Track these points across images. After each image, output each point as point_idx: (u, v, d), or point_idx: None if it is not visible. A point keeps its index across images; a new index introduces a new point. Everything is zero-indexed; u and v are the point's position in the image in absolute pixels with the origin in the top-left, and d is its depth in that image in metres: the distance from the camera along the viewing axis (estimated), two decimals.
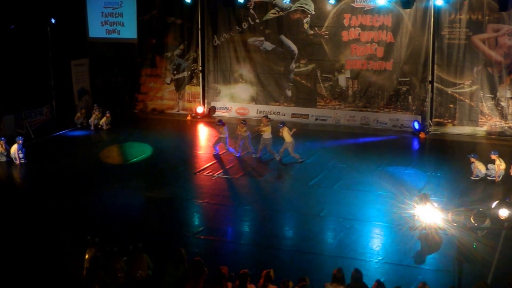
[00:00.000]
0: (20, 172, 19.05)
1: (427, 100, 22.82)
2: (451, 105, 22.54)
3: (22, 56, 23.27)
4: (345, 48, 23.68)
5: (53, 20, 24.04)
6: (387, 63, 23.20)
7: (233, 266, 11.06)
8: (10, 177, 18.92)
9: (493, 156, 16.97)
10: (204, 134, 24.04)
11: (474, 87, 22.10)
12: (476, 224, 9.38)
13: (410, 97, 23.17)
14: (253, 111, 25.35)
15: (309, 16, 23.92)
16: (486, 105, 22.00)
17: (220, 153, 19.89)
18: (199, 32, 25.68)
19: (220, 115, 25.21)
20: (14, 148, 19.28)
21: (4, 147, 19.48)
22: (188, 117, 25.69)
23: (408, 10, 22.17)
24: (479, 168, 17.06)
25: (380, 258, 12.66)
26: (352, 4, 23.11)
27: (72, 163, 19.57)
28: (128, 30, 25.97)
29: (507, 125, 21.80)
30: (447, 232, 11.01)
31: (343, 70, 23.95)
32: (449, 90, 22.45)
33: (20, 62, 23.08)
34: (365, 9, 23.01)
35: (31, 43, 23.97)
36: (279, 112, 24.90)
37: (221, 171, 18.48)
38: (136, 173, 18.48)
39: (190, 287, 10.20)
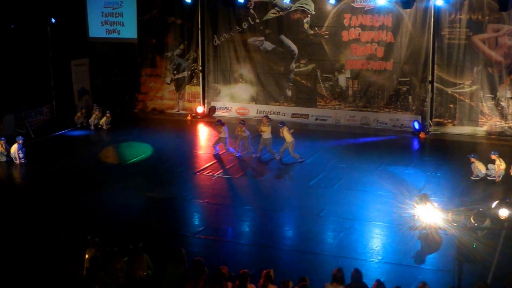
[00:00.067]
0: (20, 172, 19.05)
1: (427, 100, 22.82)
2: (451, 105, 22.55)
3: (22, 56, 23.29)
4: (345, 48, 23.68)
5: (53, 20, 24.04)
6: (387, 63, 23.20)
7: (233, 266, 11.07)
8: (10, 177, 18.92)
9: (493, 156, 16.97)
10: (204, 134, 24.04)
11: (474, 87, 22.10)
12: (476, 224, 9.38)
13: (410, 97, 23.18)
14: (253, 111, 25.35)
15: (309, 16, 23.93)
16: (486, 105, 22.00)
17: (220, 153, 19.90)
18: (199, 32, 25.69)
19: (220, 115, 25.21)
20: (14, 148, 19.28)
21: (4, 147, 19.48)
22: (188, 117, 25.69)
23: (408, 10, 22.18)
24: (479, 168, 17.06)
25: (380, 258, 12.66)
26: (352, 4, 23.11)
27: (72, 163, 19.57)
28: (128, 30, 25.98)
29: (507, 125, 21.80)
30: (447, 232, 11.02)
31: (343, 70, 23.95)
32: (449, 90, 22.45)
33: (20, 62, 23.09)
34: (365, 9, 23.01)
35: (31, 43, 23.97)
36: (279, 112, 24.90)
37: (221, 171, 18.48)
38: (136, 173, 18.48)
39: (190, 287, 10.20)
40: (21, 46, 23.45)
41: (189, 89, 26.48)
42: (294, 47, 24.52)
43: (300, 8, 23.94)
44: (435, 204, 12.63)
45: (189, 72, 26.31)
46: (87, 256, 11.24)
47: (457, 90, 22.35)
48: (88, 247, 11.40)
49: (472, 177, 17.13)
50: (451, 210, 11.15)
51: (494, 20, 21.40)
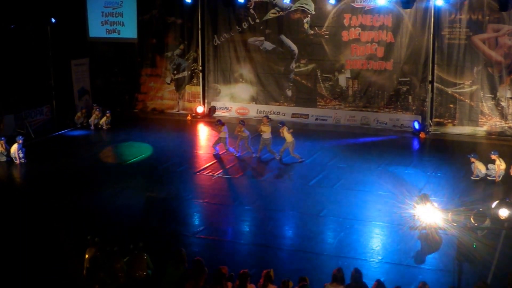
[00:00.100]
0: (20, 172, 19.05)
1: (427, 100, 22.83)
2: (451, 105, 22.55)
3: (22, 56, 23.28)
4: (345, 48, 23.68)
5: (53, 20, 24.06)
6: (387, 63, 23.20)
7: (233, 266, 11.06)
8: (10, 177, 18.92)
9: (493, 156, 16.97)
10: (204, 134, 24.04)
11: (474, 87, 22.11)
12: (476, 224, 9.39)
13: (410, 97, 23.18)
14: (253, 111, 25.36)
15: (309, 16, 23.93)
16: (486, 105, 22.00)
17: (220, 153, 19.90)
18: (199, 32, 25.70)
19: (220, 115, 25.22)
20: (14, 148, 19.28)
21: (4, 147, 19.48)
22: (188, 117, 25.69)
23: (408, 10, 22.19)
24: (479, 168, 17.06)
25: (380, 257, 12.66)
26: (352, 4, 23.11)
27: (72, 163, 19.57)
28: (128, 30, 25.97)
29: (507, 125, 21.80)
30: (447, 232, 11.02)
31: (343, 70, 23.95)
32: (449, 90, 22.45)
33: (21, 62, 23.09)
34: (365, 9, 23.01)
35: (31, 43, 23.97)
36: (279, 112, 24.90)
37: (221, 171, 18.49)
38: (136, 173, 18.48)
39: (190, 287, 10.20)
40: (21, 46, 23.44)
41: (189, 89, 26.49)
42: (294, 47, 24.52)
43: (300, 8, 23.95)
44: (435, 204, 12.63)
45: (189, 72, 26.31)
46: (87, 256, 11.24)
47: (457, 90, 22.36)
48: (88, 247, 11.40)
49: (472, 177, 17.13)
50: (451, 210, 11.15)
51: (494, 20, 21.41)
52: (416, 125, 22.47)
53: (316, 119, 24.48)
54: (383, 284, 9.86)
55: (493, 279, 11.31)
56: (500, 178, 16.91)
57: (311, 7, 23.80)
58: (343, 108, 24.23)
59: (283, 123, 19.26)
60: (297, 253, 12.97)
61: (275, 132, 19.22)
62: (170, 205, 15.82)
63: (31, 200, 15.93)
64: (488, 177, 17.05)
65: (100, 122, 23.88)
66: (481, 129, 22.12)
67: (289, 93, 24.96)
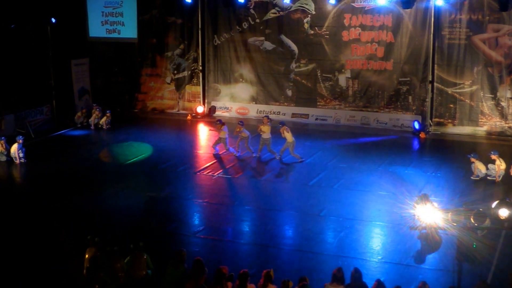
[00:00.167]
0: (20, 171, 19.05)
1: (427, 100, 22.83)
2: (451, 105, 22.55)
3: (22, 55, 23.30)
4: (346, 48, 23.68)
5: (53, 20, 24.07)
6: (387, 63, 23.20)
7: (233, 265, 11.07)
8: (10, 176, 18.92)
9: (493, 156, 16.97)
10: (204, 134, 24.04)
11: (474, 87, 22.11)
12: (476, 224, 9.38)
13: (410, 97, 23.18)
14: (253, 111, 25.36)
15: (309, 16, 23.93)
16: (486, 105, 22.00)
17: (220, 152, 19.90)
18: (200, 31, 25.70)
19: (220, 114, 25.22)
20: (14, 148, 19.28)
21: (4, 147, 19.48)
22: (188, 117, 25.70)
23: (408, 10, 22.19)
24: (479, 168, 17.06)
25: (380, 257, 12.66)
26: (353, 4, 23.12)
27: (72, 163, 19.56)
28: (129, 30, 25.98)
29: (507, 125, 21.80)
30: (447, 232, 11.01)
31: (343, 70, 23.95)
32: (449, 90, 22.45)
33: (21, 61, 23.10)
34: (366, 9, 23.02)
35: (31, 43, 24.00)
36: (279, 112, 24.91)
37: (221, 170, 18.49)
38: (136, 173, 18.48)
39: (190, 287, 10.20)
40: (21, 46, 23.46)
41: (189, 89, 26.49)
42: (294, 47, 24.52)
43: (300, 8, 23.95)
44: (435, 204, 12.63)
45: (189, 72, 26.32)
46: (87, 256, 11.24)
47: (457, 90, 22.36)
48: (88, 246, 11.40)
49: (472, 177, 17.13)
50: (451, 210, 11.13)
51: (494, 20, 21.41)
52: (416, 125, 22.47)
53: (316, 119, 24.48)
54: (383, 284, 9.87)
55: (493, 279, 11.32)
56: (500, 178, 16.90)
57: (311, 7, 23.80)
58: (343, 108, 24.24)
59: (283, 123, 19.26)
60: (297, 253, 12.97)
61: (275, 132, 19.22)
62: (170, 205, 15.82)
63: (31, 200, 15.92)
64: (488, 177, 17.05)
65: (100, 122, 23.88)
66: (481, 129, 22.12)
67: (289, 93, 24.96)
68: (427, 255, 12.65)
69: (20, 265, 11.99)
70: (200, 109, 25.83)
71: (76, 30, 25.61)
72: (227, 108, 25.83)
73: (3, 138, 19.68)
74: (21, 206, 15.48)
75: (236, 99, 25.80)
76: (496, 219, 9.20)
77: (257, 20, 24.72)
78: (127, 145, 21.59)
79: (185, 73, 26.38)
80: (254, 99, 25.52)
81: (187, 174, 18.34)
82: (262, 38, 24.88)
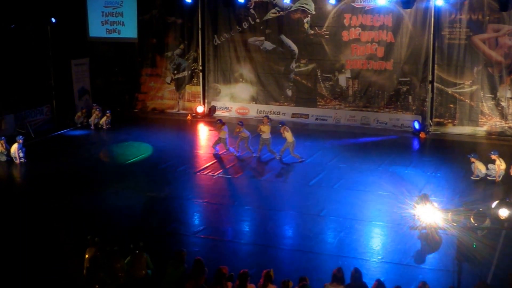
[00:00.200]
0: (20, 171, 19.05)
1: (427, 100, 22.83)
2: (451, 105, 22.55)
3: (22, 55, 23.29)
4: (346, 48, 23.68)
5: (53, 20, 24.07)
6: (387, 63, 23.20)
7: (233, 265, 11.07)
8: (10, 176, 18.92)
9: (493, 156, 16.97)
10: (204, 134, 24.04)
11: (474, 87, 22.11)
12: (476, 224, 9.38)
13: (410, 97, 23.18)
14: (253, 110, 25.36)
15: (309, 16, 23.93)
16: (486, 105, 22.01)
17: (220, 152, 19.90)
18: (200, 31, 25.71)
19: (220, 114, 25.22)
20: (14, 148, 19.28)
21: (4, 147, 19.48)
22: (188, 117, 25.70)
23: (408, 10, 22.19)
24: (479, 168, 17.05)
25: (380, 257, 12.66)
26: (353, 4, 23.12)
27: (72, 162, 19.56)
28: (129, 30, 25.98)
29: (507, 125, 21.81)
30: (447, 232, 11.01)
31: (343, 70, 23.95)
32: (449, 90, 22.46)
33: (21, 61, 23.09)
34: (366, 9, 23.02)
35: (31, 43, 23.98)
36: (279, 112, 24.91)
37: (221, 170, 18.49)
38: (136, 172, 18.48)
39: (190, 287, 10.20)
40: (21, 46, 23.45)
41: (189, 88, 26.49)
42: (294, 47, 24.52)
43: (300, 8, 23.95)
44: (435, 204, 12.63)
45: (189, 72, 26.32)
46: (87, 255, 11.24)
47: (457, 90, 22.36)
48: (88, 246, 11.40)
49: (472, 177, 17.13)
50: (451, 210, 11.14)
51: (494, 20, 21.42)
52: (416, 125, 22.47)
53: (316, 119, 24.48)
54: (383, 283, 9.87)
55: (493, 279, 11.32)
56: (500, 178, 16.91)
57: (311, 7, 23.80)
58: (343, 108, 24.24)
59: (283, 123, 19.27)
60: (297, 253, 12.97)
61: (275, 132, 19.22)
62: (170, 205, 15.81)
63: (31, 200, 15.92)
64: (488, 177, 17.04)
65: (100, 122, 23.88)
66: (481, 129, 22.12)
67: (289, 93, 24.96)
68: (427, 255, 12.64)
69: (20, 265, 11.99)
70: (200, 109, 25.83)
71: (76, 30, 25.61)
72: (227, 108, 25.83)
73: (3, 138, 19.68)
74: (21, 206, 15.48)
75: (236, 99, 25.80)
76: (496, 219, 9.21)
77: (257, 20, 24.72)
78: (127, 145, 21.58)
79: (185, 73, 26.38)
80: (254, 99, 25.52)
81: (187, 174, 18.34)
82: (262, 38, 24.89)
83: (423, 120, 22.73)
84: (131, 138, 22.38)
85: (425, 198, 12.77)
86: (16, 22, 23.04)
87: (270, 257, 12.69)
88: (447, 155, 20.01)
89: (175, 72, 26.48)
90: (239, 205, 15.85)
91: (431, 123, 22.83)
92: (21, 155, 19.33)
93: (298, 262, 12.44)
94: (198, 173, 18.37)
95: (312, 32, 24.01)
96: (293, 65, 24.63)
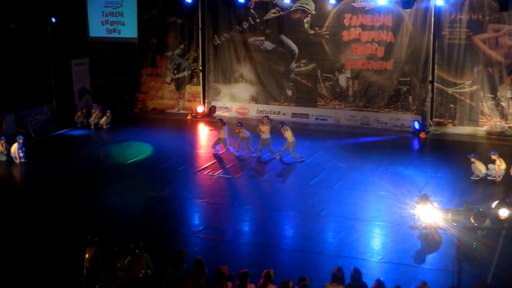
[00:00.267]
0: (20, 171, 19.05)
1: (427, 100, 22.83)
2: (452, 105, 22.55)
3: (22, 55, 23.30)
4: (346, 48, 23.68)
5: (53, 20, 24.07)
6: (387, 63, 23.20)
7: (233, 265, 11.06)
8: (10, 176, 18.92)
9: (493, 156, 16.96)
10: (204, 134, 24.04)
11: (474, 87, 22.11)
12: (476, 224, 9.38)
13: (410, 97, 23.18)
14: (253, 110, 25.36)
15: (309, 16, 23.93)
16: (487, 105, 22.00)
17: (220, 152, 19.91)
18: (200, 31, 25.71)
19: (220, 114, 25.21)
20: (14, 147, 19.28)
21: (4, 146, 19.48)
22: (188, 117, 25.70)
23: (408, 10, 22.18)
24: (479, 168, 17.05)
25: (380, 257, 12.66)
26: (353, 4, 23.11)
27: (72, 162, 19.56)
28: (129, 30, 25.98)
29: (507, 125, 21.81)
30: (447, 232, 11.01)
31: (343, 70, 23.95)
32: (450, 90, 22.45)
33: (21, 61, 23.10)
34: (366, 9, 23.01)
35: (31, 43, 23.99)
36: (280, 112, 24.91)
37: (221, 170, 18.49)
38: (136, 172, 18.48)
39: (190, 286, 10.20)
40: (22, 45, 23.46)
41: (189, 88, 26.49)
42: (294, 47, 24.52)
43: (301, 8, 23.94)
44: (435, 204, 12.63)
45: (190, 72, 26.32)
46: (87, 255, 11.24)
47: (458, 90, 22.36)
48: (88, 246, 11.40)
49: (472, 177, 17.13)
50: (451, 210, 11.14)
51: (494, 20, 21.42)
52: (416, 125, 22.47)
53: (316, 119, 24.48)
54: (383, 283, 9.86)
55: (493, 279, 11.32)
56: (500, 178, 16.90)
57: (311, 7, 23.80)
58: (343, 108, 24.23)
59: (283, 123, 19.27)
60: (297, 252, 12.97)
61: (275, 132, 19.22)
62: (170, 205, 15.81)
63: (31, 200, 15.92)
64: (488, 177, 17.04)
65: (100, 122, 23.89)
66: (481, 129, 22.12)
67: (289, 93, 24.96)
68: (427, 255, 12.65)
69: (20, 265, 11.99)
70: (200, 109, 25.83)
71: (76, 30, 25.61)
72: (227, 108, 25.83)
73: (3, 137, 19.69)
74: (21, 206, 15.48)
75: (236, 99, 25.80)
76: (496, 219, 9.20)
77: (257, 20, 24.72)
78: (127, 145, 21.58)
79: (185, 73, 26.38)
80: (254, 99, 25.52)
81: (187, 174, 18.34)
82: (262, 38, 24.89)
83: (423, 120, 22.73)
84: (131, 138, 22.38)
85: (425, 198, 12.77)
86: (16, 22, 23.04)
87: (270, 257, 12.69)
88: (447, 155, 20.01)
89: (175, 72, 26.48)
90: (239, 205, 15.85)
91: (431, 123, 22.83)
92: (21, 155, 19.33)
93: (298, 262, 12.45)
94: (198, 173, 18.37)
95: (312, 32, 24.00)
96: (293, 65, 24.63)
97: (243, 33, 25.08)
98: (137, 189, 16.89)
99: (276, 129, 19.22)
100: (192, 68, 26.24)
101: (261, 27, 24.78)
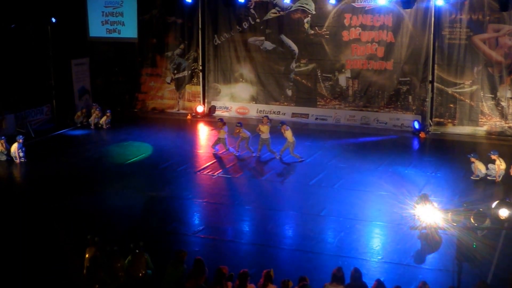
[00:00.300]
0: (20, 171, 19.05)
1: (427, 100, 22.83)
2: (451, 105, 22.55)
3: (22, 55, 23.30)
4: (346, 48, 23.68)
5: (53, 20, 24.06)
6: (387, 63, 23.20)
7: (233, 265, 11.07)
8: (10, 176, 18.92)
9: (493, 156, 16.96)
10: (204, 134, 24.04)
11: (474, 87, 22.11)
12: (476, 224, 9.38)
13: (410, 97, 23.18)
14: (253, 110, 25.36)
15: (309, 16, 23.92)
16: (486, 105, 22.01)
17: (220, 152, 19.91)
18: (200, 31, 25.70)
19: (220, 114, 25.21)
20: (14, 147, 19.29)
21: (4, 146, 19.48)
22: (188, 117, 25.70)
23: (408, 10, 22.18)
24: (479, 168, 17.05)
25: (380, 257, 12.66)
26: (353, 4, 23.11)
27: (72, 162, 19.56)
28: (129, 30, 25.98)
29: (507, 125, 21.81)
30: (447, 232, 11.01)
31: (343, 70, 23.95)
32: (450, 90, 22.46)
33: (21, 61, 23.10)
34: (366, 9, 23.01)
35: (31, 43, 23.99)
36: (279, 112, 24.91)
37: (221, 170, 18.49)
38: (136, 172, 18.48)
39: (190, 286, 10.20)
40: (22, 45, 23.46)
41: (189, 88, 26.49)
42: (294, 47, 24.52)
43: (301, 8, 23.94)
44: (435, 204, 12.63)
45: (190, 72, 26.31)
46: (87, 255, 11.24)
47: (457, 90, 22.36)
48: (88, 246, 11.40)
49: (472, 177, 17.13)
50: (451, 210, 11.14)
51: (494, 20, 21.42)
52: (416, 125, 22.47)
53: (316, 118, 24.48)
54: (383, 283, 9.86)
55: (493, 279, 11.32)
56: (500, 178, 16.90)
57: (311, 7, 23.80)
58: (343, 108, 24.24)
59: (283, 123, 19.28)
60: (297, 252, 12.97)
61: (275, 132, 19.22)
62: (170, 205, 15.81)
63: (31, 200, 15.92)
64: (488, 177, 17.04)
65: (100, 122, 23.89)
66: (481, 129, 22.12)
67: (289, 92, 24.96)
68: (427, 255, 12.65)
69: (20, 265, 11.99)
70: (200, 108, 25.83)
71: (76, 30, 25.61)
72: (227, 108, 25.83)
73: (3, 137, 19.69)
74: (21, 206, 15.48)
75: (236, 99, 25.80)
76: (496, 219, 9.20)
77: (257, 20, 24.71)
78: (127, 144, 21.58)
79: (185, 73, 26.38)
80: (254, 99, 25.52)
81: (187, 173, 18.34)
82: (262, 38, 24.88)
83: (423, 120, 22.73)
84: (131, 137, 22.39)
85: (425, 198, 12.77)
86: (16, 22, 23.04)
87: (270, 257, 12.69)
88: (447, 155, 20.02)
89: (175, 72, 26.48)
90: (239, 205, 15.86)
91: (431, 123, 22.83)
92: (21, 154, 19.34)
93: (298, 262, 12.45)
94: (198, 172, 18.37)
95: (312, 32, 24.00)
96: (293, 65, 24.63)
97: (243, 33, 25.08)
98: (137, 189, 16.89)
99: (276, 129, 19.22)
100: (192, 68, 26.24)
101: (261, 27, 24.77)
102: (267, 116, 19.88)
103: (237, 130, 19.58)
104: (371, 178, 17.45)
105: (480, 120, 22.15)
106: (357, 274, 10.06)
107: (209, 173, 18.22)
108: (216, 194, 16.65)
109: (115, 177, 18.00)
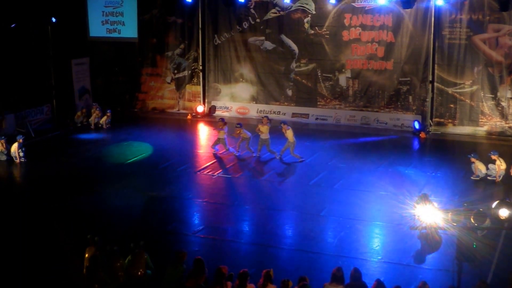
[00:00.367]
0: (20, 171, 19.05)
1: (427, 100, 22.83)
2: (452, 105, 22.55)
3: (22, 55, 23.30)
4: (346, 48, 23.68)
5: (53, 19, 24.04)
6: (387, 63, 23.20)
7: (233, 265, 11.06)
8: (10, 176, 18.92)
9: (494, 156, 16.95)
10: (204, 133, 24.04)
11: (474, 87, 22.11)
12: (476, 224, 9.38)
13: (410, 97, 23.18)
14: (253, 110, 25.36)
15: (309, 15, 23.92)
16: (487, 105, 22.00)
17: (220, 152, 19.90)
18: (200, 31, 25.71)
19: (220, 114, 25.21)
20: (15, 147, 19.28)
21: (4, 146, 19.48)
22: (189, 116, 25.70)
23: (408, 10, 22.18)
24: (479, 168, 17.04)
25: (380, 257, 12.66)
26: (353, 3, 23.11)
27: (72, 162, 19.57)
28: (129, 29, 25.98)
29: (507, 125, 21.80)
30: (447, 232, 11.01)
31: (343, 70, 23.95)
32: (450, 90, 22.45)
33: (21, 61, 23.10)
34: (366, 8, 23.01)
35: (31, 42, 23.99)
36: (280, 112, 24.91)
37: (221, 170, 18.49)
38: (136, 172, 18.47)
39: (190, 286, 10.20)
40: (22, 45, 23.46)
41: (189, 88, 26.49)
42: (294, 47, 24.52)
43: (301, 7, 23.94)
44: (435, 204, 12.63)
45: (190, 72, 26.31)
46: (87, 255, 11.24)
47: (458, 90, 22.36)
48: (88, 246, 11.40)
49: (472, 177, 17.12)
50: (451, 210, 11.14)
51: (494, 20, 21.42)
52: (416, 125, 22.47)
53: (316, 118, 24.48)
54: (383, 283, 9.86)
55: (493, 279, 11.32)
56: (500, 178, 16.89)
57: (311, 7, 23.79)
58: (344, 108, 24.23)
59: (284, 122, 19.28)
60: (297, 252, 12.97)
61: (275, 132, 19.21)
62: (170, 205, 15.81)
63: (31, 200, 15.92)
64: (488, 177, 17.04)
65: (101, 122, 23.89)
66: (482, 129, 22.12)
67: (289, 92, 24.96)
68: (427, 255, 12.65)
69: (20, 265, 11.99)
70: (200, 108, 25.83)
71: (76, 30, 25.61)
72: (227, 108, 25.83)
73: (3, 137, 19.69)
74: (21, 206, 15.48)
75: (236, 99, 25.80)
76: (496, 219, 9.20)
77: (258, 20, 24.71)
78: (127, 144, 21.58)
79: (185, 73, 26.38)
80: (254, 99, 25.52)
81: (187, 173, 18.34)
82: (263, 37, 24.89)
83: (423, 120, 22.73)
84: (131, 137, 22.38)
85: (425, 198, 12.77)
86: (16, 21, 23.03)
87: (270, 256, 12.70)
88: (447, 155, 20.02)
89: (175, 71, 26.48)
90: (239, 205, 15.85)
91: (431, 123, 22.82)
92: (21, 154, 19.34)
93: (298, 262, 12.44)
94: (198, 172, 18.37)
95: (312, 32, 24.00)
96: (293, 65, 24.63)
97: (243, 33, 25.08)
98: (137, 189, 16.89)
99: (276, 129, 19.21)
100: (192, 68, 26.24)
101: (261, 27, 24.77)
102: (267, 116, 19.87)
103: (238, 131, 19.57)
104: (371, 178, 17.46)
105: (480, 120, 22.15)
106: (357, 274, 10.06)
107: (209, 173, 18.22)
108: (216, 194, 16.66)
109: (115, 177, 18.00)
